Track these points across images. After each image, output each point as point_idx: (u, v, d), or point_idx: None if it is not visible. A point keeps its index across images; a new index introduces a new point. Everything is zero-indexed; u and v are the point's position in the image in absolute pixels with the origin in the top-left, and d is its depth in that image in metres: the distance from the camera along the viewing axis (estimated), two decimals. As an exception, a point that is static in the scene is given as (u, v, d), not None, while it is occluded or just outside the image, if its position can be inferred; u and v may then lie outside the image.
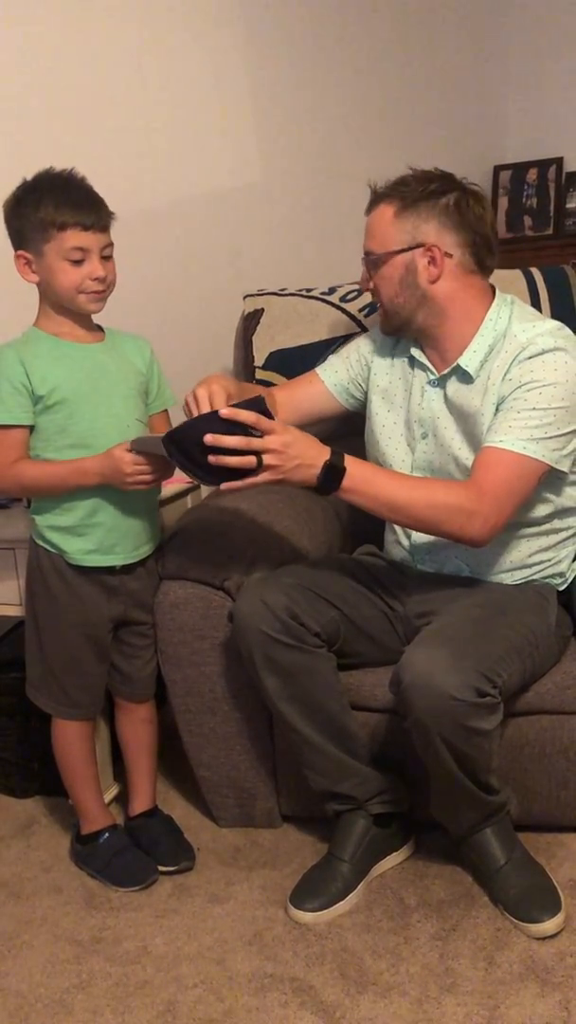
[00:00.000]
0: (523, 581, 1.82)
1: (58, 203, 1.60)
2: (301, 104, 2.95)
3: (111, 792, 2.06)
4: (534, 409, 1.64)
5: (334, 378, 1.97)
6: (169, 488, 2.08)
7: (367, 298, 2.30)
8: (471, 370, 1.73)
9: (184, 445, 1.52)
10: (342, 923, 1.70)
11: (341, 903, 1.72)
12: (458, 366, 1.75)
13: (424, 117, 3.38)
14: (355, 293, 2.33)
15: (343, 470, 1.59)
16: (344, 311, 2.31)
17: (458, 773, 1.59)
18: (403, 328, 1.81)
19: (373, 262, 1.76)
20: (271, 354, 2.32)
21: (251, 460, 1.51)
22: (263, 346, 2.33)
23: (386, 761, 1.81)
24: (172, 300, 2.58)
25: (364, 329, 2.26)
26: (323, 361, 2.03)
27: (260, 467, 1.52)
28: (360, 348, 1.96)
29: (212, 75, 2.67)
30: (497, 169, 3.87)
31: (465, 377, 1.75)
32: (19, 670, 1.92)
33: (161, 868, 1.85)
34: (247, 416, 1.51)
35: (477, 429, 1.73)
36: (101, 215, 1.65)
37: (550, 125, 3.83)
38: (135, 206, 2.24)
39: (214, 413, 1.52)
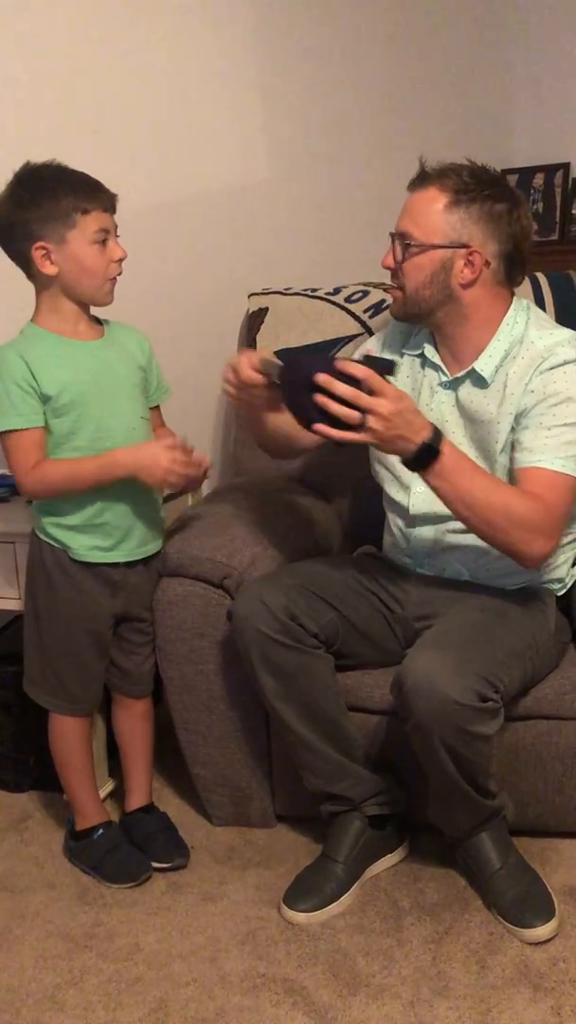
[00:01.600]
0: (522, 585, 1.81)
1: (75, 189, 1.63)
2: (308, 104, 2.95)
3: (106, 788, 2.05)
4: (565, 425, 1.62)
5: None
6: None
7: (372, 299, 2.30)
8: (486, 375, 1.72)
9: (295, 375, 1.48)
10: (335, 924, 1.70)
11: (334, 904, 1.72)
12: (473, 370, 1.73)
13: (431, 120, 3.38)
14: (360, 294, 2.33)
15: (438, 453, 1.55)
16: (349, 312, 2.31)
17: (457, 777, 1.59)
18: (419, 319, 1.77)
19: (408, 246, 1.69)
20: (274, 354, 2.31)
21: (356, 416, 1.47)
22: (267, 345, 2.32)
23: (382, 763, 1.81)
24: (176, 297, 2.58)
25: (368, 329, 2.25)
26: None
27: (362, 426, 1.49)
28: (366, 352, 1.93)
29: (220, 72, 2.66)
30: (503, 173, 3.87)
31: (480, 381, 1.73)
32: (16, 664, 1.92)
33: (155, 865, 1.85)
34: (357, 370, 1.47)
35: (490, 437, 1.72)
36: (110, 195, 1.68)
37: (557, 130, 3.82)
38: (140, 203, 2.23)
39: (330, 357, 1.48)
